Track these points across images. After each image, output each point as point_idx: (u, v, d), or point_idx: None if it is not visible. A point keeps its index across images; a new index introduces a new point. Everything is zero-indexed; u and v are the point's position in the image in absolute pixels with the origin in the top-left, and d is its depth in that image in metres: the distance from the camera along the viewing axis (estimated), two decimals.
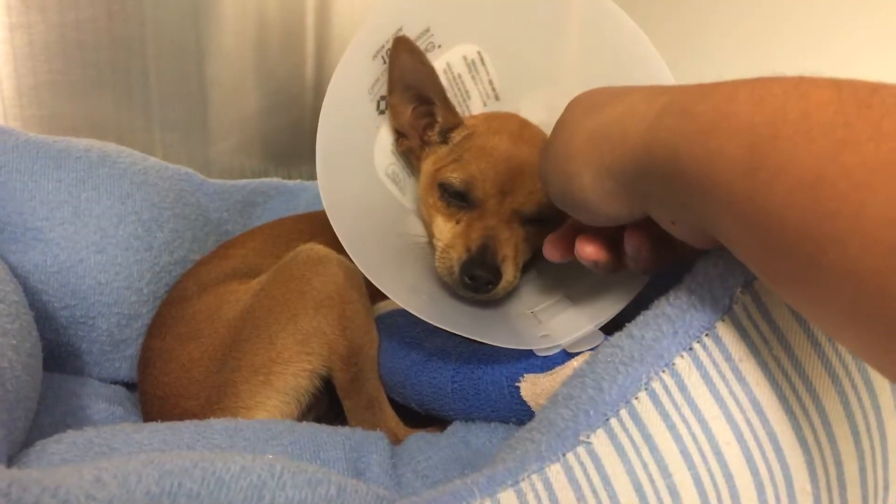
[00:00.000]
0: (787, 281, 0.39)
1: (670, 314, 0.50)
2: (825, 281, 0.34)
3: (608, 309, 0.69)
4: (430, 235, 0.85)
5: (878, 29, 0.97)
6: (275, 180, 1.32)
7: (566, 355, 0.70)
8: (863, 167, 0.32)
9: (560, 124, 0.58)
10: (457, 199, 0.82)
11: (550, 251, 0.65)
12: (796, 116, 0.35)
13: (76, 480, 0.42)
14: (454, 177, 0.81)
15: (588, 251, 0.59)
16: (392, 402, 0.84)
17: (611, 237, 0.59)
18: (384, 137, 0.85)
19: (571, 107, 0.59)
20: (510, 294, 0.81)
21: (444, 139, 0.86)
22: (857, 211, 0.32)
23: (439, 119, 0.85)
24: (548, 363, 0.70)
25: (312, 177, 1.36)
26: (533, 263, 0.85)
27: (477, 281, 0.76)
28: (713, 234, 0.44)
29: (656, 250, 0.55)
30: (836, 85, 0.36)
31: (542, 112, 0.87)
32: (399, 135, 0.86)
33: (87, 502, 0.41)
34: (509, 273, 0.78)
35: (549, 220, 0.79)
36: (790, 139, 0.35)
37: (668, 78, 0.74)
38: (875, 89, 0.34)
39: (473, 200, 0.81)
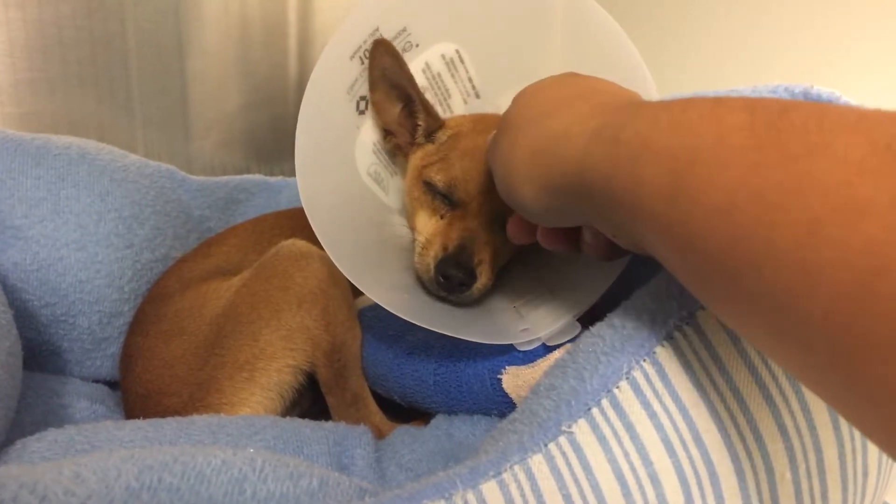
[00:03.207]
0: (714, 301, 0.39)
1: (650, 304, 0.50)
2: (746, 302, 0.35)
3: (584, 300, 0.70)
4: (413, 228, 0.85)
5: (850, 26, 0.98)
6: (257, 177, 1.32)
7: (547, 348, 0.70)
8: (773, 190, 0.32)
9: (507, 122, 0.58)
10: (441, 197, 0.82)
11: (514, 233, 0.67)
12: (711, 142, 0.36)
13: (55, 476, 0.42)
14: (438, 178, 0.81)
15: (546, 241, 0.62)
16: (376, 396, 0.84)
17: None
18: (365, 138, 0.85)
19: (520, 104, 0.59)
20: (492, 290, 0.81)
21: (430, 139, 0.86)
22: (768, 234, 0.32)
23: (420, 122, 0.85)
24: (529, 355, 0.70)
25: (294, 173, 1.36)
26: (518, 259, 0.85)
27: (451, 280, 0.76)
28: (650, 253, 0.44)
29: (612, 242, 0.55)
30: (750, 107, 0.36)
31: None
32: (386, 132, 0.86)
33: (66, 498, 0.40)
34: (484, 276, 0.78)
35: None
36: (706, 165, 0.36)
37: (645, 74, 0.74)
38: (785, 110, 0.34)
39: (456, 201, 0.81)
